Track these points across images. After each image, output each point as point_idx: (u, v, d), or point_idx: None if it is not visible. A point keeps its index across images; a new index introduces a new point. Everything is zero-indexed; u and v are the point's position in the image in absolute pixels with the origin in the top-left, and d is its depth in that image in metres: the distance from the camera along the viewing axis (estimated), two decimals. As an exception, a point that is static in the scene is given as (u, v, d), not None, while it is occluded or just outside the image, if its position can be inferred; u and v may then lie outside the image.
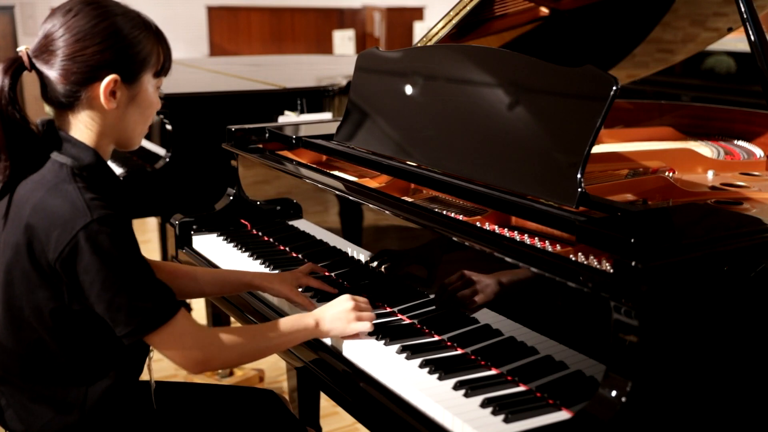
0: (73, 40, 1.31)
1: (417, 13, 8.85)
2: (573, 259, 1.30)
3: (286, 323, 1.47)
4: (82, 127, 1.37)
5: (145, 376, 1.51)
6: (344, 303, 1.50)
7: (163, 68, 1.43)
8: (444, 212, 1.62)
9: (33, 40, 1.37)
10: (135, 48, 1.35)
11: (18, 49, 1.36)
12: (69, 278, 1.27)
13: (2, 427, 1.43)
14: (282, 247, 2.05)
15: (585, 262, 1.29)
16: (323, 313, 1.49)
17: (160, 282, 1.32)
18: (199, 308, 3.60)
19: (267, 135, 2.21)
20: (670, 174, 1.86)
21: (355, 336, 1.50)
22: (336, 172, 2.00)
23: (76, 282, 1.27)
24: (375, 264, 1.71)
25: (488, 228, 1.53)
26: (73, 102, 1.34)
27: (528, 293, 1.36)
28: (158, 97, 1.45)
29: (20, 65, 1.33)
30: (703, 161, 1.99)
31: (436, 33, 2.24)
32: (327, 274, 1.82)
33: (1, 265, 1.35)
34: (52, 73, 1.32)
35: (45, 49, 1.33)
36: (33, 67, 1.34)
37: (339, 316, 1.48)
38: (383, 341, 1.48)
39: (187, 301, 3.59)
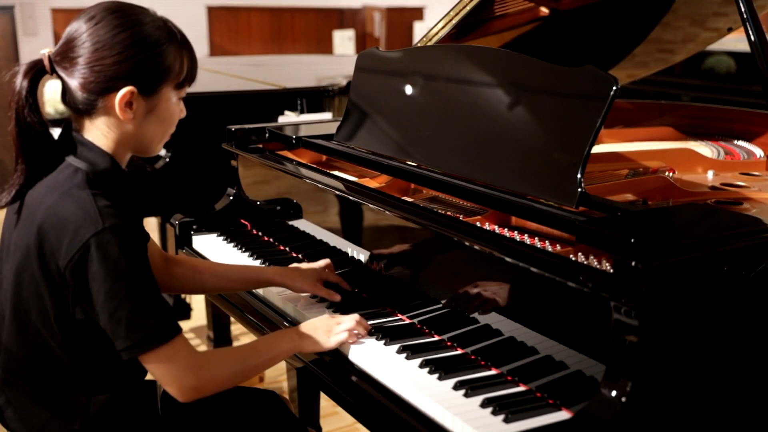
0: (93, 49, 1.29)
1: (417, 13, 8.84)
2: (573, 259, 1.30)
3: (270, 340, 1.48)
4: (99, 134, 1.36)
5: (150, 376, 1.50)
6: (325, 318, 1.52)
7: (187, 79, 1.41)
8: (444, 212, 1.62)
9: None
10: (155, 60, 1.33)
11: (41, 52, 1.35)
12: (78, 285, 1.26)
13: (3, 426, 1.43)
14: (282, 247, 2.05)
15: (585, 262, 1.29)
16: (305, 327, 1.50)
17: (164, 301, 1.31)
18: (199, 308, 3.60)
19: (267, 135, 2.21)
20: (670, 174, 1.86)
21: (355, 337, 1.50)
22: (336, 172, 2.00)
23: (85, 289, 1.26)
24: (375, 264, 1.71)
25: (488, 228, 1.53)
26: (91, 110, 1.34)
27: (528, 293, 1.36)
28: (182, 106, 1.43)
29: (41, 69, 1.33)
30: (703, 161, 1.99)
31: (436, 33, 2.23)
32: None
33: (12, 266, 1.34)
34: (72, 79, 1.32)
35: (66, 55, 1.32)
36: (54, 71, 1.33)
37: (320, 328, 1.49)
38: (383, 341, 1.48)
39: (187, 300, 3.60)
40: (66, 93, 1.35)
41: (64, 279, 1.27)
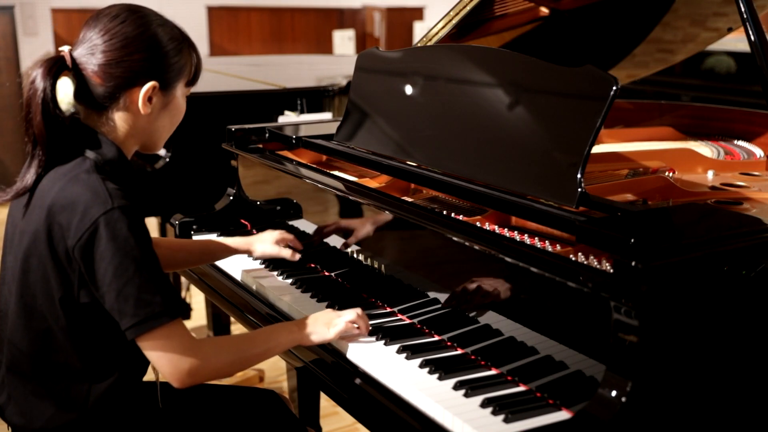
0: (120, 45, 1.36)
1: (417, 13, 8.84)
2: (573, 259, 1.30)
3: (269, 330, 1.49)
4: (111, 127, 1.41)
5: (150, 376, 1.51)
6: (326, 311, 1.53)
7: (194, 77, 1.49)
8: (444, 212, 1.62)
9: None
10: (174, 58, 1.42)
11: (60, 49, 1.39)
12: (86, 265, 1.28)
13: (4, 421, 1.44)
14: (282, 247, 2.05)
15: (585, 262, 1.29)
16: (305, 319, 1.51)
17: (170, 282, 1.34)
18: (199, 308, 3.60)
19: (267, 135, 2.21)
20: (670, 174, 1.86)
21: (355, 336, 1.50)
22: (336, 172, 2.00)
23: (91, 270, 1.28)
24: (375, 264, 1.71)
25: (488, 228, 1.53)
26: (110, 103, 1.39)
27: (528, 293, 1.36)
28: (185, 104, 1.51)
29: (61, 66, 1.36)
30: (703, 161, 1.99)
31: (436, 33, 2.24)
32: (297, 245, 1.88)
33: (19, 253, 1.37)
34: (94, 74, 1.37)
35: (91, 50, 1.36)
36: (75, 67, 1.37)
37: (320, 320, 1.49)
38: (383, 341, 1.48)
39: (187, 300, 3.60)
40: (81, 89, 1.38)
41: (71, 260, 1.30)
